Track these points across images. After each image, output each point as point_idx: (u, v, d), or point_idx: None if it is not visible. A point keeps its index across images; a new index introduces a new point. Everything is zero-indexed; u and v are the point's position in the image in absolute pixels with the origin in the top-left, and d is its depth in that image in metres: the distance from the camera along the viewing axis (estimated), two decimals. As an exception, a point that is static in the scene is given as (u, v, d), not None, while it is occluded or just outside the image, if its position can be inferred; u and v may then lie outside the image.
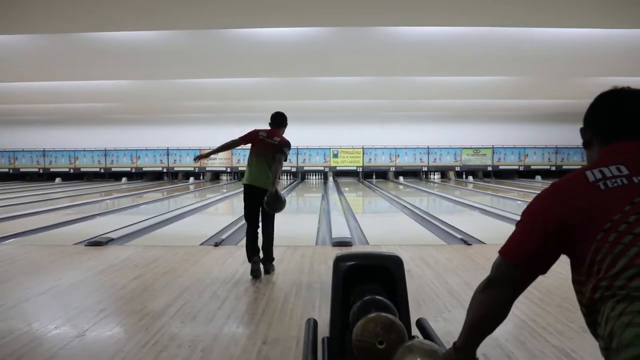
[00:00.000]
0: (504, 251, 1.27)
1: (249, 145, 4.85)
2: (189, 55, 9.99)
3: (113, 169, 21.69)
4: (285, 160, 4.66)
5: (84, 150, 21.70)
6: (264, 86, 13.36)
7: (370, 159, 21.28)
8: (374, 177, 21.60)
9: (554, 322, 3.23)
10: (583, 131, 1.36)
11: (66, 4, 7.16)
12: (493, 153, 21.22)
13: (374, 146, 21.20)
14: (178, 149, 21.45)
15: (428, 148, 21.26)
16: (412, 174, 21.78)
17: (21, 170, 21.88)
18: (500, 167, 21.25)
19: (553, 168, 21.00)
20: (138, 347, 2.88)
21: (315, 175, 21.47)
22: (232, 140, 4.80)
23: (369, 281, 2.43)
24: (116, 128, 21.29)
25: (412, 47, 9.31)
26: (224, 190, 16.13)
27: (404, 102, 17.51)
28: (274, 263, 4.78)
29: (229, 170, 21.46)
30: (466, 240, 6.21)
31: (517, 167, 21.11)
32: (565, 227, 1.14)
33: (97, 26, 8.12)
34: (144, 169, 21.71)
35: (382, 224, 8.71)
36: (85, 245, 6.08)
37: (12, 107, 17.83)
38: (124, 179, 21.33)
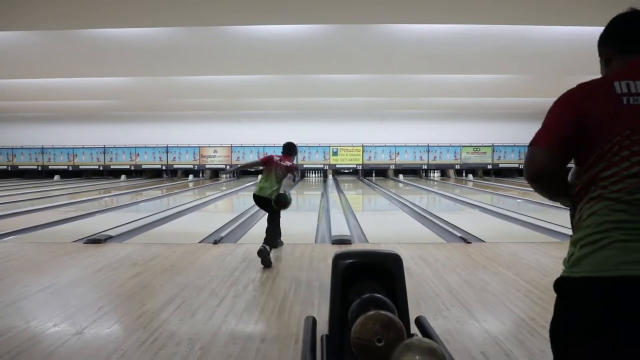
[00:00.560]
0: (534, 139, 1.38)
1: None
2: (188, 53, 9.97)
3: (112, 167, 21.67)
4: (294, 180, 5.69)
5: (83, 148, 21.68)
6: (263, 84, 13.34)
7: (370, 157, 21.27)
8: (373, 175, 21.60)
9: (553, 320, 3.22)
10: (602, 49, 1.45)
11: (64, 0, 7.14)
12: (493, 151, 21.22)
13: (374, 144, 21.19)
14: (177, 147, 21.44)
15: (428, 146, 21.26)
16: (412, 172, 21.78)
17: (20, 167, 21.86)
18: (500, 165, 21.25)
19: (552, 166, 21.00)
20: (136, 344, 2.88)
21: (315, 173, 21.47)
22: (255, 161, 6.00)
23: (368, 279, 2.42)
24: (115, 125, 21.27)
25: (412, 45, 9.30)
26: (223, 188, 16.12)
27: (404, 100, 17.50)
28: (271, 252, 5.12)
29: (228, 167, 21.46)
30: (466, 239, 6.21)
31: (517, 165, 21.10)
32: (585, 125, 1.27)
33: (96, 23, 8.10)
34: (143, 167, 21.70)
35: (381, 222, 8.71)
36: (84, 243, 6.08)
37: (11, 104, 17.81)
38: (123, 177, 21.31)
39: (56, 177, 21.29)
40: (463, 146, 21.17)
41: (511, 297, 3.72)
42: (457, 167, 21.42)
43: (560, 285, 1.27)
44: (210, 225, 7.50)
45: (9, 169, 21.82)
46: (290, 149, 5.67)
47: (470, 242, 6.03)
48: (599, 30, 1.46)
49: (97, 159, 21.69)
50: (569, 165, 1.39)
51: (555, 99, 1.38)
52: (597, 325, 1.12)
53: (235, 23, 8.29)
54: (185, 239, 6.43)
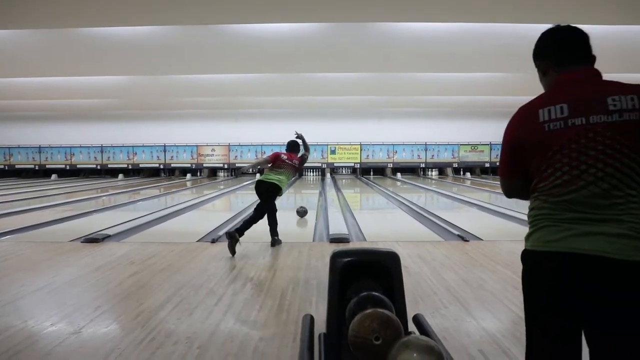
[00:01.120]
0: (499, 171, 1.84)
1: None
2: (186, 51, 9.95)
3: (109, 166, 21.63)
4: (304, 161, 6.39)
5: (80, 147, 21.63)
6: (260, 82, 13.33)
7: (367, 156, 21.28)
8: (371, 173, 21.61)
9: (551, 318, 3.23)
10: (537, 63, 1.75)
11: (62, -1, 7.12)
12: (491, 149, 21.24)
13: (372, 142, 21.20)
14: (175, 146, 21.41)
15: (426, 144, 21.28)
16: (410, 170, 21.79)
17: (17, 166, 21.80)
18: (498, 164, 21.26)
19: (550, 164, 21.03)
20: (134, 344, 2.87)
21: (313, 172, 21.46)
22: (264, 159, 6.28)
23: (365, 277, 2.43)
24: (113, 124, 21.22)
25: (410, 44, 9.30)
26: (221, 187, 16.11)
27: (401, 98, 17.51)
28: (276, 238, 5.87)
29: (226, 166, 21.43)
30: (463, 237, 6.21)
31: (514, 163, 21.11)
32: (523, 150, 1.64)
33: (94, 22, 8.08)
34: (141, 166, 21.67)
35: (379, 220, 8.71)
36: (81, 242, 6.07)
37: (8, 103, 17.76)
38: (120, 176, 21.27)
39: (53, 176, 21.24)
40: (461, 144, 21.19)
41: (509, 295, 3.73)
42: (455, 165, 21.44)
43: (521, 256, 1.72)
44: (208, 224, 7.50)
45: (6, 168, 21.77)
46: (293, 147, 6.28)
47: (468, 240, 6.03)
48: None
49: (95, 158, 21.65)
50: None
51: None
52: (538, 278, 1.63)
53: (233, 22, 8.28)
54: (183, 237, 6.42)
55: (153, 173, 21.93)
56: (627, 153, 1.47)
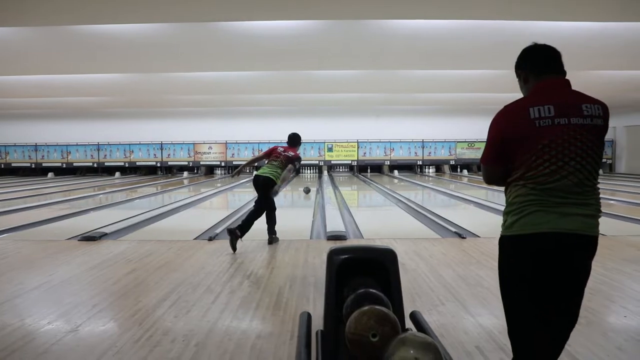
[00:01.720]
0: (481, 159, 2.07)
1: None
2: (183, 49, 9.91)
3: (106, 164, 21.57)
4: (295, 170, 6.16)
5: (77, 145, 21.56)
6: (257, 80, 13.30)
7: (365, 153, 21.28)
8: (368, 171, 21.62)
9: (547, 314, 3.24)
10: (519, 72, 2.06)
11: (57, -4, 7.08)
12: (487, 147, 21.24)
13: (369, 140, 21.19)
14: (172, 143, 21.35)
15: (423, 142, 21.29)
16: (407, 167, 21.80)
17: (13, 165, 21.71)
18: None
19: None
20: (131, 341, 2.87)
21: (310, 170, 21.46)
22: (259, 155, 6.27)
23: (363, 274, 2.43)
24: (109, 122, 21.16)
25: (407, 41, 9.28)
26: (218, 185, 16.09)
27: (398, 95, 17.50)
28: (274, 236, 5.87)
29: (223, 164, 21.40)
30: (460, 234, 6.23)
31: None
32: (512, 142, 1.90)
33: (89, 19, 8.03)
34: (138, 164, 21.61)
35: (376, 217, 8.72)
36: (78, 240, 6.05)
37: (4, 101, 17.67)
38: (117, 174, 21.22)
39: (50, 174, 21.17)
40: (458, 142, 21.21)
41: (505, 292, 3.73)
42: (452, 162, 21.46)
43: (500, 242, 2.00)
44: (205, 222, 7.49)
45: (2, 166, 21.67)
46: (294, 140, 6.18)
47: (465, 238, 6.05)
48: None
49: (91, 156, 21.58)
50: None
51: None
52: (522, 259, 1.90)
53: (228, 19, 8.25)
54: (180, 235, 6.41)
55: (150, 171, 21.88)
56: (595, 150, 1.86)
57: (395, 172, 21.05)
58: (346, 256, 2.43)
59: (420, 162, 21.44)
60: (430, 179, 18.72)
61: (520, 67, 2.06)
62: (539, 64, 1.99)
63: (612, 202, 10.42)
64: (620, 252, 5.23)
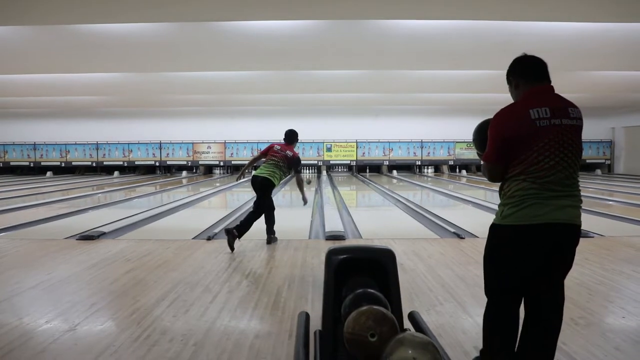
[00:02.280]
0: (485, 157, 2.25)
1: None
2: (181, 48, 9.90)
3: (105, 163, 21.54)
4: (297, 172, 6.12)
5: (76, 144, 21.52)
6: (256, 79, 13.28)
7: (363, 153, 21.28)
8: (367, 171, 21.61)
9: (546, 314, 3.24)
10: (511, 79, 2.29)
11: (56, -5, 7.07)
12: (486, 147, 21.24)
13: (368, 140, 21.18)
14: (171, 143, 21.33)
15: (422, 142, 21.29)
16: (406, 167, 21.79)
17: (11, 163, 21.66)
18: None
19: (545, 162, 21.06)
20: (130, 341, 2.87)
21: (309, 169, 21.46)
22: (257, 155, 6.16)
23: (361, 274, 2.43)
24: (108, 121, 21.11)
25: (406, 41, 9.28)
26: (217, 184, 16.08)
27: (397, 95, 17.48)
28: (273, 236, 5.86)
29: (222, 164, 21.38)
30: (459, 234, 6.23)
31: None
32: (515, 140, 2.09)
33: (88, 18, 8.02)
34: (137, 163, 21.58)
35: (375, 217, 8.72)
36: (76, 240, 6.04)
37: (2, 100, 17.62)
38: (116, 173, 21.19)
39: (48, 173, 21.12)
40: (457, 142, 21.21)
41: (504, 292, 3.74)
42: (451, 162, 21.46)
43: (493, 229, 2.24)
44: (204, 221, 7.49)
45: (1, 165, 21.63)
46: (290, 137, 6.03)
47: (463, 238, 6.05)
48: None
49: (90, 155, 21.54)
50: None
51: None
52: (513, 244, 2.13)
53: (227, 19, 8.24)
54: (178, 235, 6.41)
55: (149, 170, 21.86)
56: (579, 148, 2.13)
57: (394, 172, 21.05)
58: (345, 256, 2.43)
59: (419, 162, 21.44)
60: (429, 179, 18.73)
61: (513, 74, 2.28)
62: (530, 72, 2.22)
63: (610, 202, 10.44)
64: (618, 252, 5.24)
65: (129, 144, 21.41)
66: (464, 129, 20.70)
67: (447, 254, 5.18)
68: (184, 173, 21.13)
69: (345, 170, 21.89)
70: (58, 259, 5.04)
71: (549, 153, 2.05)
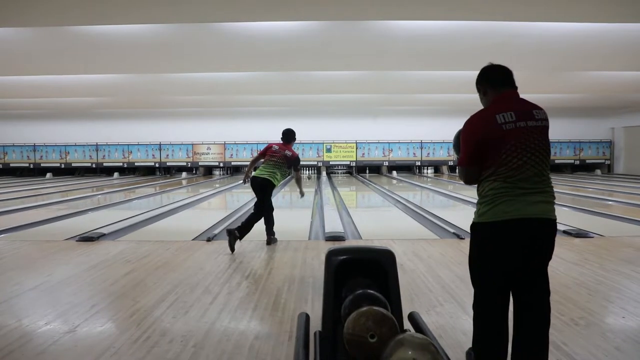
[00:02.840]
0: (459, 162, 2.39)
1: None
2: (181, 49, 9.90)
3: (105, 164, 21.53)
4: (300, 170, 6.24)
5: (75, 145, 21.52)
6: (256, 80, 13.28)
7: (363, 154, 21.27)
8: (367, 171, 21.61)
9: (546, 315, 3.24)
10: (480, 87, 2.44)
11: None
12: (486, 147, 21.23)
13: (367, 141, 21.18)
14: (170, 144, 21.33)
15: (421, 142, 21.28)
16: (406, 168, 21.78)
17: (11, 165, 21.65)
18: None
19: (545, 162, 21.05)
20: (129, 342, 2.87)
21: (309, 170, 21.46)
22: (256, 156, 6.11)
23: (361, 275, 2.43)
24: (108, 122, 21.10)
25: (406, 42, 9.28)
26: (217, 185, 16.08)
27: (397, 96, 17.48)
28: (272, 237, 5.85)
29: (221, 165, 21.37)
30: (459, 235, 6.23)
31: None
32: (484, 144, 2.23)
33: (88, 19, 8.02)
34: (136, 164, 21.58)
35: (375, 218, 8.72)
36: (76, 241, 6.04)
37: (2, 101, 17.62)
38: (115, 174, 21.19)
39: (48, 174, 21.12)
40: (456, 142, 21.19)
41: (504, 293, 3.73)
42: (451, 163, 21.44)
43: (473, 227, 2.36)
44: (204, 222, 7.48)
45: (1, 166, 21.62)
46: (287, 136, 6.03)
47: (463, 238, 6.05)
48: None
49: (90, 156, 21.54)
50: None
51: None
52: (495, 243, 2.24)
53: (227, 20, 8.24)
54: (178, 236, 6.40)
55: (148, 171, 21.86)
56: (546, 147, 2.26)
57: (394, 172, 21.05)
58: (344, 257, 2.43)
59: (418, 163, 21.43)
60: (428, 179, 18.73)
61: (481, 82, 2.44)
62: (497, 80, 2.38)
63: (610, 202, 10.44)
64: (618, 252, 5.24)
65: (128, 145, 21.41)
66: (464, 130, 20.80)
67: (447, 254, 5.18)
68: (184, 174, 21.12)
69: (345, 170, 21.88)
70: (58, 261, 5.04)
71: (516, 154, 2.18)
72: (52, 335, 2.97)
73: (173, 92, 15.78)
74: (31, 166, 21.59)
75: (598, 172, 20.76)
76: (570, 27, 8.41)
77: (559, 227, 6.41)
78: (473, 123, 2.31)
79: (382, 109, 20.58)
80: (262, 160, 5.95)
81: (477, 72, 2.47)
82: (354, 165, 21.29)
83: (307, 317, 2.57)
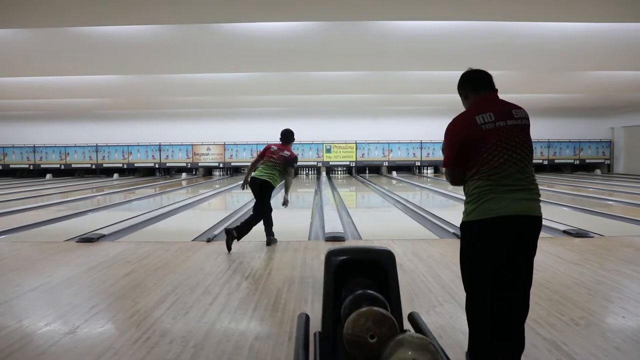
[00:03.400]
0: (444, 164, 2.48)
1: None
2: (181, 50, 9.90)
3: (104, 165, 21.53)
4: (294, 171, 6.13)
5: (75, 146, 21.52)
6: (255, 81, 13.28)
7: (363, 154, 21.27)
8: (367, 172, 21.61)
9: (545, 314, 3.25)
10: (461, 91, 2.57)
11: (55, -3, 7.07)
12: (485, 147, 21.23)
13: (367, 141, 21.18)
14: (170, 145, 21.33)
15: (421, 143, 21.28)
16: (405, 168, 21.79)
17: (11, 166, 21.65)
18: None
19: (545, 162, 21.07)
20: (129, 343, 2.86)
21: (308, 171, 21.45)
22: (256, 159, 6.06)
23: (361, 275, 2.42)
24: (107, 123, 21.11)
25: (406, 42, 9.28)
26: (217, 186, 16.08)
27: (397, 96, 17.49)
28: (272, 237, 5.84)
29: (221, 165, 21.38)
30: (459, 235, 6.21)
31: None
32: (466, 145, 2.32)
33: (87, 20, 8.02)
34: (136, 165, 21.58)
35: (374, 218, 8.72)
36: (76, 242, 6.04)
37: (2, 102, 17.63)
38: (115, 175, 21.19)
39: (48, 175, 21.13)
40: (456, 143, 21.20)
41: (504, 293, 3.73)
42: (450, 163, 21.45)
43: (462, 226, 2.42)
44: (204, 223, 7.48)
45: (1, 168, 21.63)
46: (286, 136, 6.01)
47: (463, 238, 6.04)
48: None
49: (90, 157, 21.54)
50: None
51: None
52: (482, 240, 2.30)
53: (227, 20, 8.24)
54: (178, 237, 6.41)
55: (148, 172, 21.85)
56: (528, 145, 2.32)
57: (394, 173, 21.05)
58: (344, 257, 2.43)
59: (418, 163, 21.44)
60: (428, 179, 18.73)
61: (462, 87, 2.56)
62: (477, 83, 2.49)
63: (610, 202, 10.44)
64: (618, 252, 5.24)
65: (128, 146, 21.41)
66: (464, 130, 20.79)
67: (446, 254, 5.18)
68: (184, 175, 21.13)
69: (344, 171, 21.88)
70: (57, 262, 5.04)
71: (497, 152, 2.25)
72: (53, 336, 2.97)
73: (173, 93, 15.79)
74: (31, 167, 21.59)
75: (598, 171, 20.76)
76: (570, 27, 8.40)
77: (559, 227, 6.47)
78: (456, 125, 2.41)
79: (382, 109, 20.58)
80: (261, 161, 5.95)
81: (477, 72, 2.50)
82: (353, 165, 21.29)
83: (307, 317, 2.57)
